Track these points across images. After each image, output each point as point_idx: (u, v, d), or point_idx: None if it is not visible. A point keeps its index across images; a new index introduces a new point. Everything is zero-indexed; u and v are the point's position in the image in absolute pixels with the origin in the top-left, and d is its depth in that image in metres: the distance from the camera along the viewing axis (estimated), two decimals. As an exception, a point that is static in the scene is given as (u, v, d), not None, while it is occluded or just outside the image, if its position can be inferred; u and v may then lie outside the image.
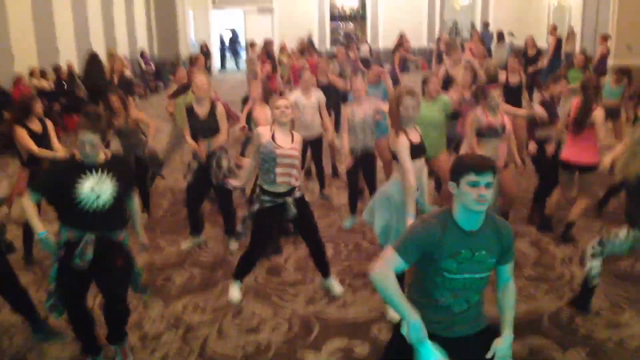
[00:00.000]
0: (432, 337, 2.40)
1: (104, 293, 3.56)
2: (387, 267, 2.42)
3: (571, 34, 16.49)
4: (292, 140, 4.38)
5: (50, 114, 10.80)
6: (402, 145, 3.90)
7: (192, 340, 3.97)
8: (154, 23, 20.36)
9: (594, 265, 4.13)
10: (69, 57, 13.05)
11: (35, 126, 5.05)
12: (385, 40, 21.49)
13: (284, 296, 4.61)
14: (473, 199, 2.38)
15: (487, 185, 2.39)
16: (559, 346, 3.84)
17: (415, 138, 4.01)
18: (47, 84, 11.13)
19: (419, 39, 21.83)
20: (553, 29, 15.09)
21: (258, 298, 4.58)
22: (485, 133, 5.18)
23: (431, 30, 22.49)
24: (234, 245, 5.49)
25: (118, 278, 3.52)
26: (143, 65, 17.53)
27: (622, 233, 4.02)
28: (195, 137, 5.35)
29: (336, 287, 4.61)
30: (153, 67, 18.05)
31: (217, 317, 4.29)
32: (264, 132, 4.36)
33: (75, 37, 13.91)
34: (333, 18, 23.23)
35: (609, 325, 4.08)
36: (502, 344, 2.50)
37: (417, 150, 3.98)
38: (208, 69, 18.30)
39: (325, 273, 4.64)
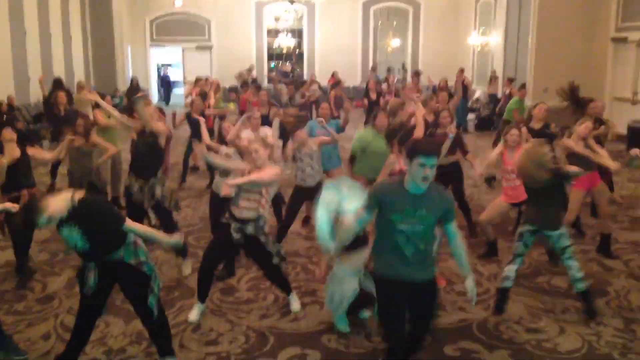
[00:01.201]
0: (393, 281, 3.36)
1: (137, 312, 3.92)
2: (354, 220, 3.51)
3: (494, 77, 17.77)
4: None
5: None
6: None
7: (156, 353, 4.23)
8: (92, 58, 20.38)
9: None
10: (9, 92, 13.00)
11: None
12: (321, 79, 22.27)
13: (238, 313, 4.96)
14: (420, 176, 3.20)
15: (432, 167, 3.19)
16: (487, 349, 4.38)
17: None
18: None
19: (354, 78, 22.77)
20: (460, 72, 16.03)
21: (214, 316, 4.90)
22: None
23: (365, 70, 23.50)
24: (187, 269, 5.78)
25: (134, 294, 3.85)
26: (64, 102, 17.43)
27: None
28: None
29: (294, 303, 4.99)
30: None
31: (178, 332, 4.58)
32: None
33: (13, 71, 13.86)
34: (270, 56, 23.92)
35: (528, 331, 4.66)
36: (471, 284, 3.56)
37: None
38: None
39: (285, 291, 5.04)
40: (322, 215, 4.12)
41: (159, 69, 24.60)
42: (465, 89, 15.09)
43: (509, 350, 4.38)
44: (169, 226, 5.64)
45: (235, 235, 4.71)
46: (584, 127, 5.96)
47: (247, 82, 14.20)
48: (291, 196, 6.41)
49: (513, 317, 4.88)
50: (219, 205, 5.54)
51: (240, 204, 4.70)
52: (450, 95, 10.17)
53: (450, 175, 6.56)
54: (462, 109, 14.17)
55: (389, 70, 20.49)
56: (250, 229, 4.72)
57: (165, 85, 23.79)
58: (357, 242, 4.12)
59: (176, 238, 4.05)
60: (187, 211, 7.95)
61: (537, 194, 4.70)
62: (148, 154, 5.59)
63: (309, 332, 4.63)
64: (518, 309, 5.01)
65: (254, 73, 20.14)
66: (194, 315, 4.82)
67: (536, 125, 7.15)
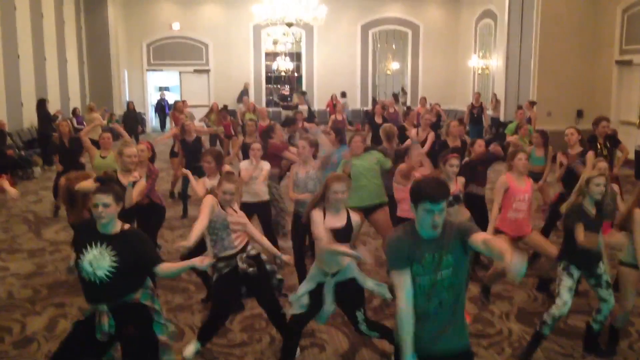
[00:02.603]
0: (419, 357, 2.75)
1: None
2: (402, 297, 2.76)
3: (495, 100, 17.56)
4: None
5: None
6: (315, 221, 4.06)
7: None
8: (88, 82, 20.19)
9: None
10: (0, 117, 12.73)
11: None
12: (320, 103, 22.11)
13: (230, 358, 4.57)
14: (428, 223, 2.75)
15: (440, 212, 2.73)
16: (502, 400, 3.98)
17: (340, 222, 4.12)
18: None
19: (353, 101, 22.58)
20: (478, 96, 16.04)
21: (204, 361, 4.52)
22: None
23: (364, 93, 23.32)
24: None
25: (137, 352, 3.40)
26: (75, 124, 17.21)
27: (565, 288, 4.38)
28: None
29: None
30: (85, 126, 17.72)
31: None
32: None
33: (6, 96, 13.59)
34: (269, 80, 23.74)
35: (547, 378, 4.28)
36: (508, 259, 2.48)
37: (340, 235, 4.04)
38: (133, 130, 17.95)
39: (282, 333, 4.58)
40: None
41: (161, 92, 23.99)
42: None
43: (527, 401, 3.98)
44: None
45: (242, 265, 4.37)
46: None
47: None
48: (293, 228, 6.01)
49: (529, 362, 4.48)
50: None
51: (233, 244, 4.42)
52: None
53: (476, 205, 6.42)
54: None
55: (394, 95, 20.36)
56: (246, 262, 4.42)
57: (160, 110, 22.45)
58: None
59: (207, 261, 3.55)
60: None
61: None
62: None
63: (308, 381, 4.24)
64: (534, 354, 4.61)
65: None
66: (189, 351, 4.45)
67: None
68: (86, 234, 3.35)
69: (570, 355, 4.62)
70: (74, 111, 17.62)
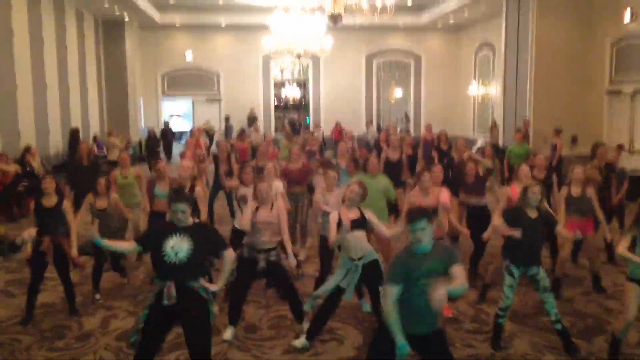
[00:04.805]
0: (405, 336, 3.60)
1: (188, 343, 4.21)
2: (389, 302, 3.68)
3: (494, 126, 18.40)
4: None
5: (15, 195, 11.30)
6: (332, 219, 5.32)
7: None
8: (107, 110, 21.16)
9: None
10: (29, 141, 13.62)
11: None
12: (326, 129, 22.99)
13: (262, 349, 5.35)
14: (412, 240, 3.72)
15: (422, 230, 3.66)
16: (494, 380, 4.76)
17: (355, 215, 5.25)
18: (12, 167, 11.61)
19: (358, 128, 23.46)
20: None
21: (240, 351, 5.30)
22: None
23: (369, 120, 24.24)
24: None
25: (198, 328, 4.19)
26: (96, 150, 18.12)
27: (506, 286, 5.26)
28: None
29: (304, 326, 5.51)
30: (105, 151, 18.64)
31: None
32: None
33: (35, 122, 14.54)
34: (277, 107, 24.73)
35: (533, 365, 5.06)
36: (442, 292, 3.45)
37: (356, 224, 5.14)
38: (156, 153, 18.91)
39: (298, 319, 5.61)
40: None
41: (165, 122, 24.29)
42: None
43: (515, 382, 4.76)
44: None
45: (261, 264, 5.43)
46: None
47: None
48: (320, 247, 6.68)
49: (519, 352, 5.27)
50: (240, 238, 6.10)
51: (262, 238, 5.43)
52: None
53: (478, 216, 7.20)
54: None
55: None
56: (273, 256, 5.48)
57: (163, 137, 21.41)
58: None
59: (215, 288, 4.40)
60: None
61: None
62: None
63: (330, 366, 5.02)
64: (523, 346, 5.40)
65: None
66: (228, 334, 5.45)
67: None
68: (165, 227, 4.27)
69: (555, 347, 5.37)
70: (94, 137, 18.56)
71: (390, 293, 3.68)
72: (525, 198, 5.26)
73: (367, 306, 6.00)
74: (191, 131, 16.32)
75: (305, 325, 5.51)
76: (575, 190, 6.81)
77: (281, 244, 5.67)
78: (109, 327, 5.87)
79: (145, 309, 4.27)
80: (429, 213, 3.77)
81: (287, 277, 5.70)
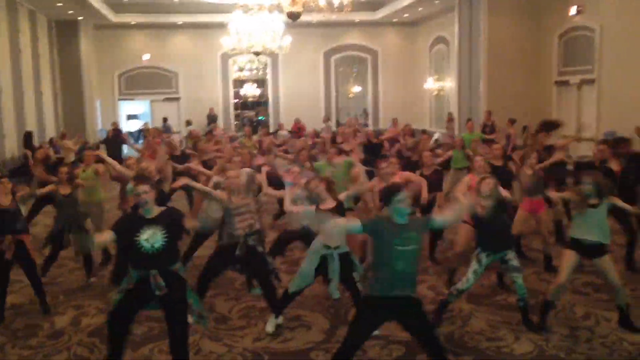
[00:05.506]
0: (383, 298, 4.07)
1: (170, 326, 4.41)
2: (347, 223, 4.36)
3: (450, 119, 18.90)
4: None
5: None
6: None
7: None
8: (62, 112, 20.86)
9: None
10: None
11: None
12: (285, 126, 23.17)
13: (234, 338, 5.55)
14: (392, 212, 4.13)
15: (401, 201, 4.10)
16: (454, 356, 5.05)
17: (330, 204, 5.52)
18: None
19: (318, 124, 23.69)
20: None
21: (212, 341, 5.48)
22: None
23: (327, 116, 24.50)
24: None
25: (181, 311, 4.43)
26: (53, 153, 17.89)
27: (471, 271, 5.56)
28: None
29: (270, 324, 5.67)
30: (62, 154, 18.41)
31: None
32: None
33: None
34: (236, 105, 24.79)
35: (488, 340, 5.41)
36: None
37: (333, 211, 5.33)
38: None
39: (272, 306, 5.76)
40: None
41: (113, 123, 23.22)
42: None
43: (473, 356, 5.09)
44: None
45: (239, 251, 5.60)
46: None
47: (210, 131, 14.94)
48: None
49: (475, 329, 5.61)
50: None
51: (237, 225, 5.63)
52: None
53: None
54: None
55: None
56: (251, 240, 5.67)
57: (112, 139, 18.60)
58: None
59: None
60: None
61: None
62: None
63: (299, 350, 5.26)
64: (480, 323, 5.75)
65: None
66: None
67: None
68: (135, 220, 4.45)
69: (508, 322, 5.73)
70: (51, 141, 18.31)
71: (354, 225, 4.20)
72: (479, 190, 5.66)
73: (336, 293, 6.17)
74: (141, 130, 16.22)
75: (276, 319, 5.68)
76: (528, 172, 7.29)
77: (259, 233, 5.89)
78: (80, 324, 5.97)
79: (119, 293, 4.46)
80: (403, 185, 4.27)
81: (264, 263, 5.81)
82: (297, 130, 18.75)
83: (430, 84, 22.57)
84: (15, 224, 6.15)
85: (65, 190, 7.16)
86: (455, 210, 4.65)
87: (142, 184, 4.45)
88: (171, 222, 4.44)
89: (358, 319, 4.22)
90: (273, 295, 5.75)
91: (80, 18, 20.18)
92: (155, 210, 4.47)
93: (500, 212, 5.66)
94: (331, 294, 5.64)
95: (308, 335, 5.55)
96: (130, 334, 4.66)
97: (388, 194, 4.17)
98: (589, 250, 5.44)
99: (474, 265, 5.62)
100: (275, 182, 7.71)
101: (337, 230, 4.46)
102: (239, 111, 24.96)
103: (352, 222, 4.30)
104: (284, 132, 16.49)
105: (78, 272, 7.58)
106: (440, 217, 4.63)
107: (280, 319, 5.68)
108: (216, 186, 6.62)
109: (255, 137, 13.80)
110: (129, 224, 4.45)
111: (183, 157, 10.36)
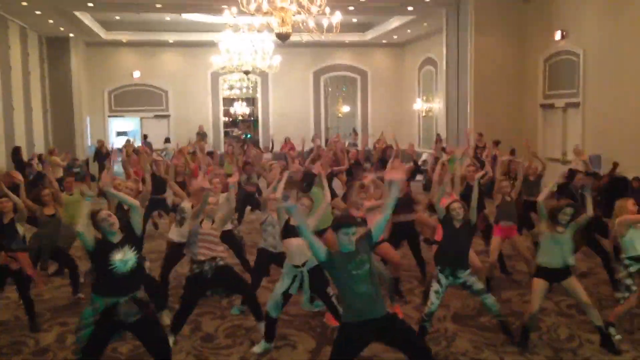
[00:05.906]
0: (359, 324, 4.10)
1: (149, 346, 4.45)
2: (316, 241, 4.25)
3: (438, 139, 19.06)
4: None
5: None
6: None
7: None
8: (51, 129, 20.84)
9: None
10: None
11: None
12: (275, 145, 23.26)
13: (219, 357, 5.57)
14: (342, 242, 4.21)
15: (352, 235, 4.19)
16: (438, 376, 5.12)
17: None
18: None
19: (307, 143, 23.81)
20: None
21: (198, 360, 5.51)
22: None
23: (317, 135, 24.64)
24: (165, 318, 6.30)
25: (157, 332, 4.45)
26: (42, 168, 17.82)
27: (432, 292, 5.67)
28: None
29: (261, 329, 5.73)
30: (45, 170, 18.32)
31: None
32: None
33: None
34: (226, 124, 24.87)
35: (472, 361, 5.46)
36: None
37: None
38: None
39: (257, 317, 5.85)
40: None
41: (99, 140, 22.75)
42: None
43: (457, 376, 5.13)
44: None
45: (209, 274, 5.55)
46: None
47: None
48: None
49: (460, 350, 5.66)
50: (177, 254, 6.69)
51: (199, 251, 5.60)
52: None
53: (406, 232, 7.61)
54: None
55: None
56: (220, 261, 5.65)
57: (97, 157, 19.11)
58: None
59: None
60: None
61: None
62: None
63: (284, 370, 5.28)
64: (464, 344, 5.79)
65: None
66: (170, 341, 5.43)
67: None
68: (104, 244, 4.41)
69: (493, 344, 5.79)
70: (40, 156, 18.26)
71: (319, 247, 4.19)
72: (449, 213, 5.80)
73: (317, 303, 6.24)
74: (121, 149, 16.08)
75: (262, 326, 5.72)
76: (497, 197, 7.52)
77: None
78: (65, 341, 5.96)
79: (87, 326, 4.45)
80: (356, 220, 4.41)
81: (237, 277, 5.87)
82: (288, 150, 18.83)
83: (419, 104, 22.79)
84: (10, 242, 6.22)
85: (49, 210, 7.19)
86: (384, 207, 4.60)
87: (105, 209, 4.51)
88: (135, 238, 4.48)
89: (338, 346, 4.24)
90: (256, 305, 5.84)
91: (71, 35, 20.28)
92: (119, 234, 4.47)
93: (465, 235, 5.79)
94: (303, 307, 5.87)
95: (294, 355, 5.58)
96: None
97: (338, 225, 4.25)
98: (556, 275, 5.63)
99: (434, 286, 5.71)
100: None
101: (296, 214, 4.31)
102: (228, 129, 25.06)
103: (320, 245, 4.26)
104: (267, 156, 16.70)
105: (64, 289, 7.56)
106: (374, 224, 4.46)
107: (272, 345, 5.69)
108: (180, 211, 6.74)
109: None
110: (102, 248, 4.40)
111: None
